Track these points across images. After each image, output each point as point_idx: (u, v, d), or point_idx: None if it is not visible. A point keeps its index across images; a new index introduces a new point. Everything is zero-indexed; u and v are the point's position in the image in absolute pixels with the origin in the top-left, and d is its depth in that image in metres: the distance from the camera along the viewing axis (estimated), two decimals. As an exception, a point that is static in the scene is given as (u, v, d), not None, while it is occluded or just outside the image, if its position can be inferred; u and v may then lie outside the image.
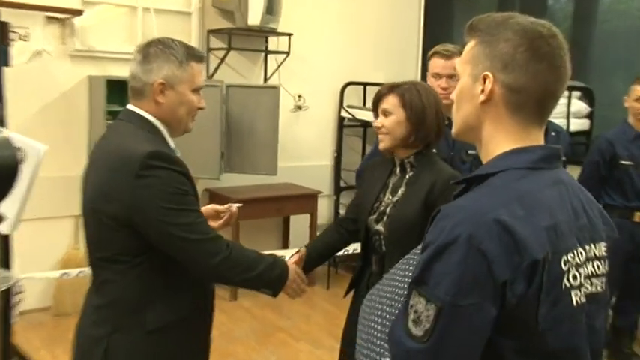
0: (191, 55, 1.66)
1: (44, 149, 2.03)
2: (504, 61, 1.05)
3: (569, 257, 1.02)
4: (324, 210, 5.20)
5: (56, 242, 4.16)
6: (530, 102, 1.06)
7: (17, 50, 3.57)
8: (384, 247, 1.98)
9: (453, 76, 2.66)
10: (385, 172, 2.07)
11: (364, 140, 5.36)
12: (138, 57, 1.64)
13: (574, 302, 1.03)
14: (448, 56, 2.66)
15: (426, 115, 1.95)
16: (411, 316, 0.98)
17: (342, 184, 5.31)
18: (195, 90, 1.68)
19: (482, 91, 1.07)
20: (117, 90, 4.11)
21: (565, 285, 1.01)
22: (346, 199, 5.36)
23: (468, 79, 1.10)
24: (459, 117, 1.13)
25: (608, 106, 4.17)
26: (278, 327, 4.08)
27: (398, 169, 2.04)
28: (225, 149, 4.48)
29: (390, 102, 1.97)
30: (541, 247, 0.97)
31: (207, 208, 1.93)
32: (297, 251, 2.04)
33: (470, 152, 2.75)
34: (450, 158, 2.66)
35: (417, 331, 0.96)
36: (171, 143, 1.69)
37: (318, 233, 4.75)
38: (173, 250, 1.57)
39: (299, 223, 4.93)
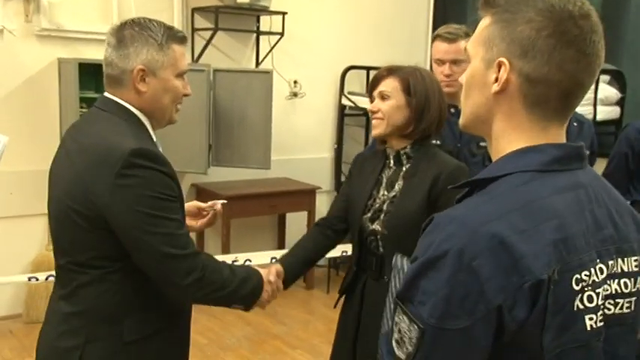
0: (172, 36, 1.55)
1: (5, 140, 1.97)
2: (524, 46, 0.94)
3: (583, 275, 0.92)
4: (323, 207, 4.96)
5: (26, 243, 3.96)
6: (552, 96, 0.95)
7: None
8: (381, 249, 1.88)
9: (457, 62, 2.48)
10: (377, 165, 1.96)
11: (367, 130, 5.11)
12: (112, 41, 1.53)
13: (588, 327, 0.93)
14: (451, 39, 2.48)
15: (429, 103, 1.86)
16: (395, 335, 0.94)
17: (343, 179, 5.04)
18: (179, 75, 1.58)
19: (497, 80, 0.96)
20: (90, 74, 3.87)
21: (577, 307, 0.92)
22: (347, 194, 5.12)
23: (480, 64, 0.99)
24: (468, 106, 1.03)
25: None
26: (272, 334, 3.96)
27: (392, 162, 1.93)
28: (212, 141, 4.30)
29: (390, 85, 1.87)
30: (546, 265, 0.88)
31: (189, 205, 1.85)
32: (273, 264, 1.89)
33: (482, 144, 2.61)
34: (456, 150, 2.55)
35: (400, 354, 0.92)
36: (154, 137, 1.59)
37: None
38: (143, 262, 1.49)
39: (296, 222, 4.73)
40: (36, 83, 3.82)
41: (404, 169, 1.90)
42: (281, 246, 4.80)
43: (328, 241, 2.02)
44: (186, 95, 1.61)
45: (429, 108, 1.85)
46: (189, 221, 1.80)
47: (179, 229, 1.50)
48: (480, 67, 0.99)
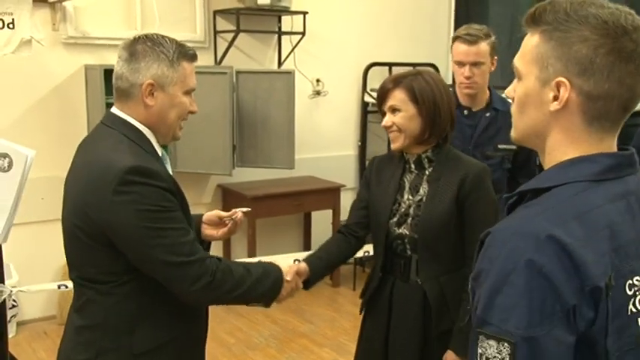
0: (183, 53, 1.57)
1: (32, 155, 1.96)
2: (582, 64, 0.95)
3: (635, 281, 0.95)
4: (348, 204, 4.80)
5: (58, 246, 3.89)
6: (612, 109, 0.97)
7: (2, 39, 3.36)
8: (409, 251, 1.89)
9: (477, 64, 2.45)
10: (397, 170, 1.95)
11: (390, 127, 5.00)
12: (124, 55, 1.54)
13: None
14: (472, 41, 2.44)
15: (438, 107, 1.85)
16: None
17: None
18: (187, 92, 1.59)
19: (556, 98, 0.97)
20: (116, 80, 3.89)
21: (631, 311, 0.94)
22: (372, 191, 5.08)
23: (534, 83, 1.00)
24: (523, 122, 1.04)
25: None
26: (299, 332, 3.96)
27: (413, 166, 1.93)
28: (237, 142, 4.31)
29: (397, 97, 1.86)
30: (603, 274, 0.91)
31: (210, 214, 1.85)
32: (295, 264, 1.91)
33: (500, 146, 2.56)
34: (467, 153, 2.48)
35: None
36: (159, 151, 1.61)
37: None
38: (152, 273, 1.50)
39: (321, 220, 4.73)
40: (64, 90, 3.88)
41: (427, 172, 1.90)
42: (307, 244, 4.80)
43: (351, 249, 2.02)
44: (192, 112, 1.61)
45: (440, 111, 1.84)
46: (210, 230, 1.82)
47: (183, 236, 1.50)
48: (535, 86, 1.00)
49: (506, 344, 0.88)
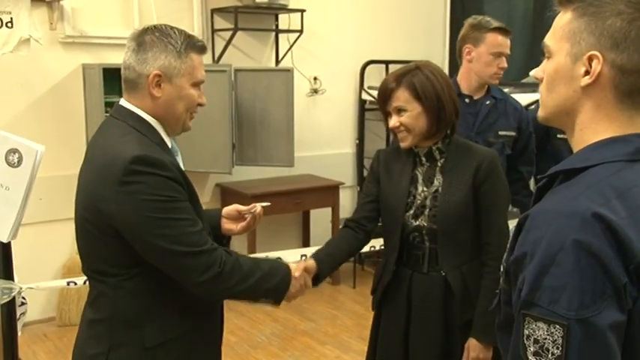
0: (191, 44, 1.54)
1: (42, 150, 1.91)
2: (615, 38, 0.95)
3: None
4: (347, 202, 4.98)
5: (57, 248, 4.00)
6: None
7: (1, 38, 3.35)
8: (427, 242, 1.89)
9: (508, 55, 2.55)
10: (407, 163, 1.94)
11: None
12: (132, 45, 1.53)
13: None
14: (509, 33, 2.53)
15: (442, 101, 1.84)
16: (531, 348, 0.89)
17: (366, 173, 4.96)
18: (195, 84, 1.57)
19: (587, 73, 0.97)
20: (114, 79, 3.85)
21: None
22: (370, 189, 5.06)
23: (565, 59, 1.00)
24: (551, 100, 1.03)
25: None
26: (301, 330, 3.95)
27: (424, 159, 1.92)
28: (236, 140, 4.29)
29: (401, 98, 1.84)
30: None
31: (229, 209, 1.84)
32: (303, 261, 1.87)
33: (501, 133, 2.63)
34: (470, 139, 2.55)
35: None
36: (169, 142, 1.59)
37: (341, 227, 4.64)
38: (160, 264, 1.48)
39: (320, 218, 4.74)
40: (62, 90, 3.85)
41: (439, 163, 1.90)
42: (306, 242, 4.79)
43: (359, 243, 2.01)
44: (200, 105, 1.59)
45: (443, 104, 1.83)
46: (229, 225, 1.80)
47: (190, 227, 1.48)
48: (565, 62, 1.00)
49: (557, 326, 0.87)
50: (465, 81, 2.62)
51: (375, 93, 4.72)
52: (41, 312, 3.93)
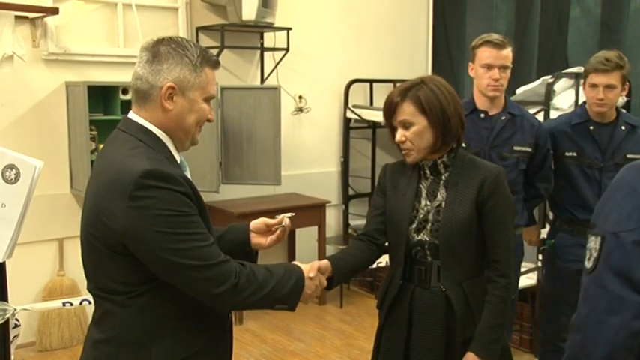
0: (207, 59, 1.53)
1: (40, 166, 1.89)
2: None
3: None
4: (333, 221, 5.00)
5: (38, 269, 3.90)
6: None
7: None
8: (429, 258, 1.88)
9: (505, 67, 2.57)
10: (412, 177, 1.94)
11: (373, 143, 5.11)
12: (145, 56, 1.50)
13: None
14: (501, 46, 2.57)
15: (447, 114, 1.82)
16: (586, 256, 1.17)
17: (351, 192, 5.09)
18: (207, 99, 1.54)
19: None
20: (98, 97, 3.87)
21: None
22: (356, 208, 5.10)
23: None
24: None
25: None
26: (290, 351, 3.89)
27: (429, 172, 1.91)
28: (222, 159, 4.25)
29: (407, 111, 1.83)
30: None
31: (257, 222, 1.81)
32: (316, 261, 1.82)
33: (516, 148, 2.66)
34: (484, 153, 2.58)
35: (588, 264, 1.16)
36: (178, 157, 1.56)
37: (327, 246, 4.62)
38: (174, 279, 1.45)
39: (306, 237, 4.70)
40: (45, 107, 3.78)
41: (443, 178, 1.88)
42: (291, 261, 4.72)
43: (373, 255, 1.98)
44: (209, 121, 1.57)
45: (448, 118, 1.81)
46: (258, 239, 1.78)
47: (203, 241, 1.45)
48: None
49: (599, 238, 1.15)
50: (477, 97, 2.69)
51: (359, 111, 4.79)
52: (21, 336, 3.75)
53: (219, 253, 1.47)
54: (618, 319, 1.10)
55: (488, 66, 2.54)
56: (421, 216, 1.88)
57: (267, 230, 1.80)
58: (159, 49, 1.48)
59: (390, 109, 1.85)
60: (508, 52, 2.57)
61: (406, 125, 1.83)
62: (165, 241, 1.40)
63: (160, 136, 1.50)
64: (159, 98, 1.47)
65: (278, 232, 1.79)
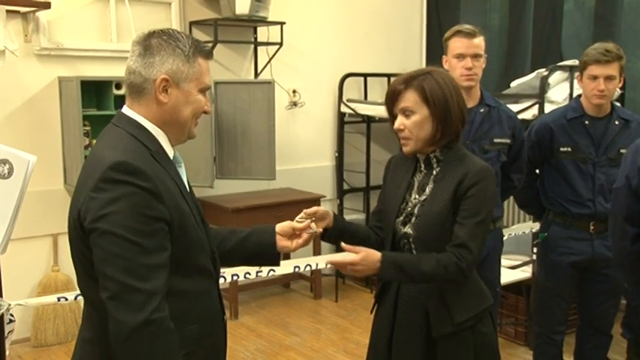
0: (199, 49, 1.49)
1: (33, 160, 1.87)
2: None
3: None
4: None
5: (32, 265, 3.88)
6: None
7: None
8: (414, 251, 1.86)
9: (477, 56, 2.57)
10: (409, 169, 1.93)
11: (368, 137, 5.09)
12: (137, 49, 1.46)
13: None
14: (471, 34, 2.56)
15: (449, 107, 1.80)
16: None
17: (346, 187, 5.08)
18: (202, 90, 1.50)
19: None
20: (91, 92, 3.85)
21: None
22: (351, 202, 5.10)
23: None
24: None
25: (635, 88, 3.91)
26: (286, 345, 3.90)
27: (423, 166, 1.90)
28: (216, 153, 4.24)
29: (410, 99, 1.80)
30: None
31: (284, 226, 1.77)
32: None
33: (496, 140, 2.66)
34: (466, 147, 2.55)
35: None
36: (171, 151, 1.51)
37: (321, 241, 4.61)
38: (101, 288, 1.34)
39: (301, 231, 4.61)
40: (37, 103, 3.76)
41: (434, 172, 1.87)
42: (286, 256, 4.70)
43: (378, 242, 1.96)
44: (205, 112, 1.53)
45: (450, 112, 1.79)
46: (284, 242, 1.76)
47: (153, 258, 1.33)
48: None
49: None
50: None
51: (354, 106, 4.78)
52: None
53: (161, 281, 1.34)
54: None
55: (460, 56, 2.53)
56: (409, 209, 1.87)
57: (294, 234, 1.77)
58: (150, 42, 1.45)
59: (394, 95, 1.82)
60: (480, 41, 2.55)
61: (407, 113, 1.81)
62: (112, 243, 1.32)
63: (152, 130, 1.46)
64: (153, 91, 1.44)
65: (306, 236, 1.76)
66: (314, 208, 1.81)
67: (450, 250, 1.76)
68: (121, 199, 1.33)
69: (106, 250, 1.32)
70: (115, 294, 1.30)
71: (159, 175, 1.40)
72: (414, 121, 1.80)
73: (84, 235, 1.36)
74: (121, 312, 1.30)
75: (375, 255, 1.75)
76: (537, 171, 2.93)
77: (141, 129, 1.45)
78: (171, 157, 1.51)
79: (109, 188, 1.33)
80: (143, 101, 1.46)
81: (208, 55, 1.51)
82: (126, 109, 1.49)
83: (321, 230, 1.81)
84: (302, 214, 1.80)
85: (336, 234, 1.87)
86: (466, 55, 2.52)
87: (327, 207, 4.81)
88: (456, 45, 2.55)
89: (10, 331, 1.96)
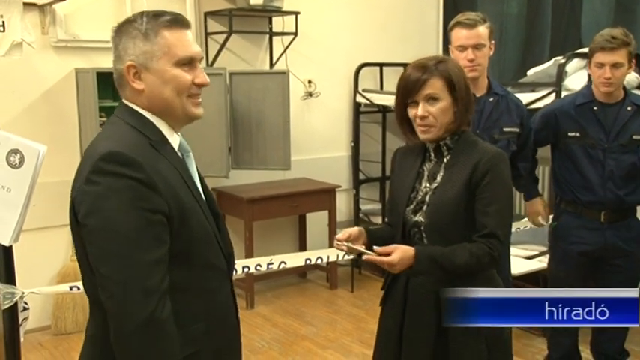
0: (159, 23, 1.37)
1: (44, 150, 1.84)
2: None
3: None
4: (343, 206, 4.98)
5: (51, 255, 3.93)
6: None
7: None
8: (425, 240, 1.84)
9: (478, 46, 2.53)
10: (417, 158, 1.92)
11: (384, 127, 5.07)
12: (112, 46, 1.43)
13: None
14: (472, 25, 2.52)
15: (469, 94, 1.82)
16: None
17: (362, 177, 5.06)
18: (180, 63, 1.39)
19: None
20: (108, 83, 3.82)
21: None
22: (367, 192, 5.09)
23: None
24: None
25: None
26: (301, 335, 3.91)
27: (432, 154, 1.89)
28: (232, 144, 4.24)
29: (436, 85, 1.78)
30: None
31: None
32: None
33: (505, 129, 2.64)
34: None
35: None
36: (176, 141, 1.45)
37: (337, 231, 4.62)
38: (99, 286, 1.30)
39: (316, 222, 4.71)
40: (54, 94, 3.80)
41: (445, 160, 1.86)
42: (302, 246, 4.75)
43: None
44: (199, 85, 1.41)
45: (470, 98, 1.80)
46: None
47: (150, 253, 1.28)
48: None
49: None
50: None
51: (370, 95, 4.75)
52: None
53: (159, 277, 1.29)
54: None
55: (461, 47, 2.50)
56: (419, 197, 1.86)
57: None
58: (114, 35, 1.41)
59: (417, 83, 1.78)
60: (481, 31, 2.50)
61: (432, 100, 1.78)
62: (100, 239, 1.28)
63: (152, 119, 1.41)
64: (129, 82, 1.39)
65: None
66: (346, 233, 1.82)
67: (480, 240, 1.75)
68: (113, 193, 1.27)
69: (100, 247, 1.28)
70: (113, 294, 1.27)
71: (156, 166, 1.34)
72: (439, 108, 1.78)
73: (79, 228, 1.33)
74: (120, 312, 1.27)
75: (409, 251, 1.76)
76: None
77: (141, 119, 1.40)
78: (176, 147, 1.45)
79: (100, 181, 1.28)
80: (127, 94, 1.41)
81: (172, 23, 1.38)
82: (125, 100, 1.46)
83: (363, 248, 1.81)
84: (336, 242, 1.83)
85: (371, 244, 1.87)
86: (467, 46, 2.49)
87: (343, 197, 4.87)
88: (457, 36, 2.52)
89: (25, 319, 1.99)
